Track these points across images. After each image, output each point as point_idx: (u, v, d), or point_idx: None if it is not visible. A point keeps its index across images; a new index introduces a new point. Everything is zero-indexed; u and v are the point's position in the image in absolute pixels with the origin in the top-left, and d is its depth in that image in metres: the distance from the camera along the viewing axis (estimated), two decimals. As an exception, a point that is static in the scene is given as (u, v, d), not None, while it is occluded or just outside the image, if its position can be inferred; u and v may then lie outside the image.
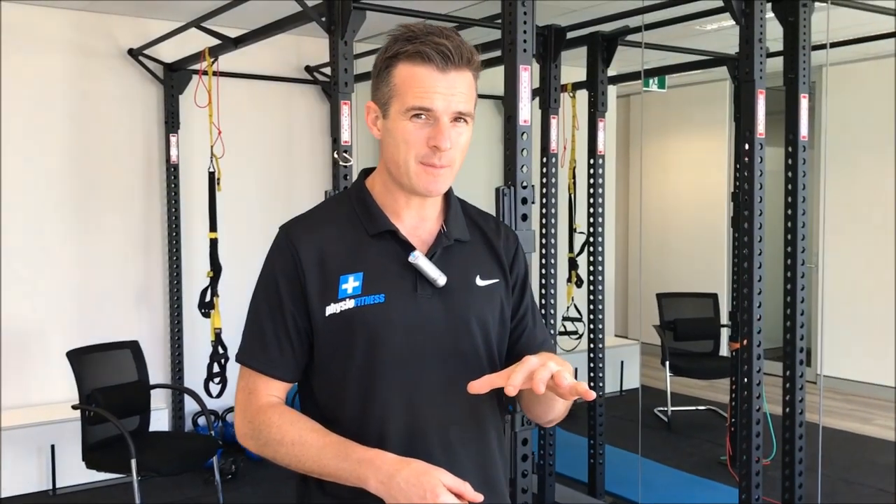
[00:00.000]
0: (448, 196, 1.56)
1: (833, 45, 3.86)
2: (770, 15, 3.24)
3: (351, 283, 1.43)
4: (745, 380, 3.23)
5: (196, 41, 4.68)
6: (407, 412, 1.42)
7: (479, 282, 1.52)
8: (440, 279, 1.46)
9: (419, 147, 1.40)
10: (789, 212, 3.41)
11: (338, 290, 1.42)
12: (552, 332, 4.41)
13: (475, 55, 1.44)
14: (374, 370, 1.43)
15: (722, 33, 5.48)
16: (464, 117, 1.43)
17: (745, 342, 3.24)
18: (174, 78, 5.18)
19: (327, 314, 1.42)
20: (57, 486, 4.56)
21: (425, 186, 1.43)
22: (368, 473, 1.30)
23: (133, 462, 3.73)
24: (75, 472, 4.40)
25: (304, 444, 1.37)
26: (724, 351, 6.14)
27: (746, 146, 3.21)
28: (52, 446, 4.55)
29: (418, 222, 1.50)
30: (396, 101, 1.41)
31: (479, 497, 1.28)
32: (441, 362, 1.45)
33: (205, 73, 4.56)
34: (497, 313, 1.53)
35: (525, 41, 2.39)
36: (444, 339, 1.46)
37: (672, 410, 5.82)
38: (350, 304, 1.42)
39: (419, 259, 1.45)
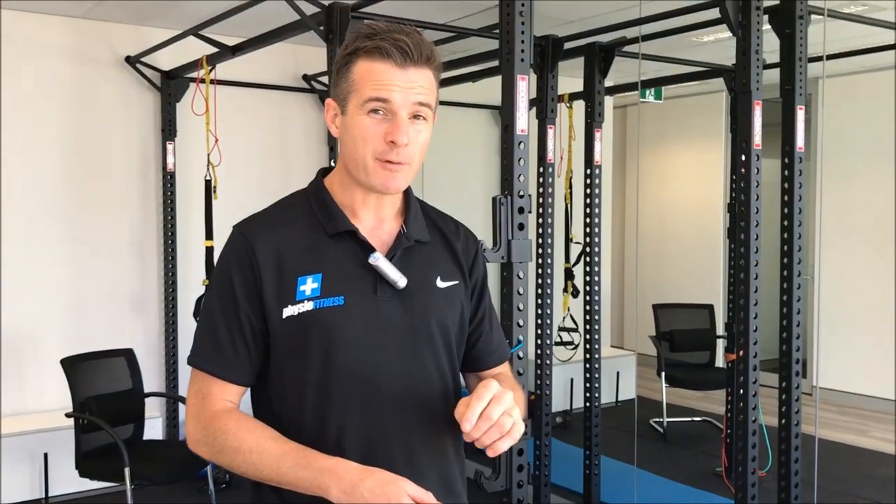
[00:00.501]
0: (407, 196, 1.54)
1: (830, 57, 3.87)
2: (767, 27, 3.25)
3: (309, 285, 1.39)
4: (741, 391, 3.22)
5: (194, 49, 4.68)
6: (366, 417, 1.40)
7: (440, 283, 1.51)
8: (401, 281, 1.44)
9: (376, 143, 1.38)
10: (785, 223, 3.41)
11: (295, 292, 1.39)
12: (548, 341, 4.40)
13: (435, 54, 1.42)
14: (333, 374, 1.40)
15: (718, 45, 5.49)
16: (423, 114, 1.41)
17: (740, 353, 3.24)
18: (171, 86, 5.18)
19: (284, 316, 1.39)
20: (50, 494, 4.54)
21: (383, 183, 1.41)
22: (330, 483, 1.27)
23: (127, 470, 3.71)
24: (69, 481, 4.37)
25: (262, 452, 1.33)
26: (720, 362, 6.13)
27: (743, 157, 3.21)
28: (46, 454, 4.52)
29: (377, 223, 1.49)
30: (354, 96, 1.39)
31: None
32: (399, 365, 1.43)
33: (202, 81, 4.56)
34: (457, 316, 1.52)
35: (523, 51, 2.39)
36: (404, 342, 1.44)
37: (668, 421, 5.80)
38: (308, 305, 1.39)
39: (379, 260, 1.42)
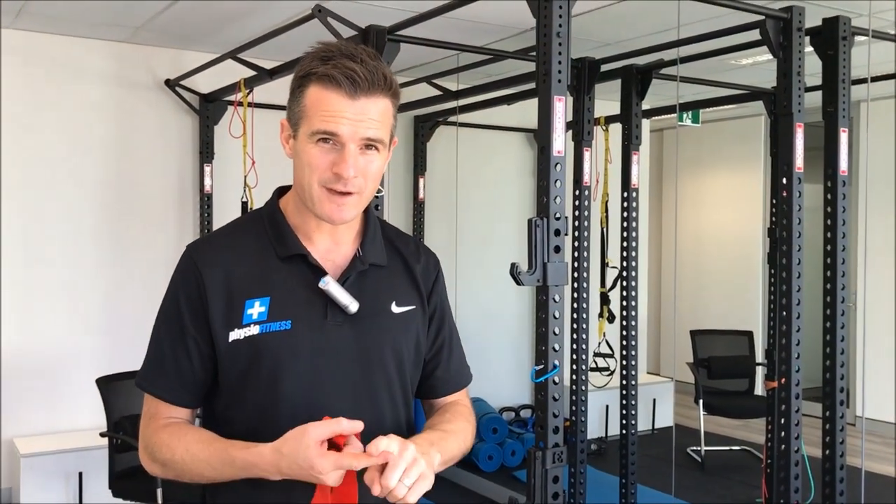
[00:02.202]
0: (367, 218, 1.51)
1: (874, 79, 3.80)
2: (808, 49, 3.20)
3: (256, 309, 1.37)
4: (783, 420, 3.14)
5: (232, 72, 4.73)
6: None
7: (395, 308, 1.47)
8: (352, 305, 1.40)
9: (322, 172, 1.36)
10: (828, 248, 3.33)
11: (242, 315, 1.37)
12: (583, 367, 4.33)
13: (391, 79, 1.39)
14: (278, 399, 1.37)
15: (757, 68, 5.43)
16: (375, 144, 1.37)
17: (782, 381, 3.15)
18: (209, 108, 5.24)
19: (230, 340, 1.37)
20: (83, 513, 4.56)
21: (329, 214, 1.38)
22: (261, 474, 1.28)
23: (159, 491, 3.71)
24: (102, 500, 4.38)
25: (193, 457, 1.34)
26: (760, 390, 6.01)
27: (784, 180, 3.15)
28: (80, 473, 4.54)
29: (331, 245, 1.46)
30: (304, 123, 1.37)
31: (359, 425, 1.25)
32: (347, 392, 1.40)
33: (240, 103, 4.60)
34: (412, 342, 1.49)
35: (560, 72, 2.37)
36: (352, 369, 1.41)
37: (706, 450, 5.69)
38: (255, 330, 1.36)
39: (330, 285, 1.39)
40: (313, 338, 1.39)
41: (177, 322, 1.40)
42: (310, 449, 1.21)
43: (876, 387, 5.77)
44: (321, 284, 1.39)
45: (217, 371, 1.41)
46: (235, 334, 1.37)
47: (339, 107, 1.34)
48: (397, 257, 1.52)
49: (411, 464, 1.23)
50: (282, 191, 1.52)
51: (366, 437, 1.28)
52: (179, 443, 1.36)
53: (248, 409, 1.39)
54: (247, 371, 1.38)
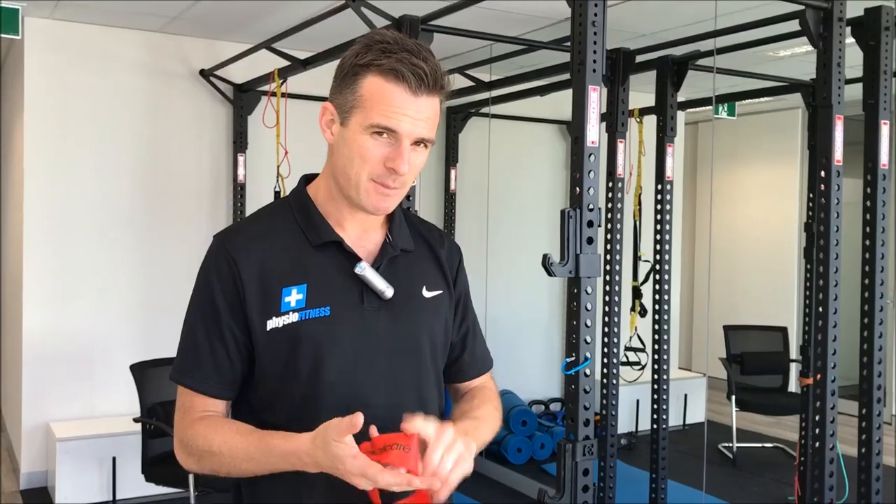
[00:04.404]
0: None
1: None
2: (849, 40, 3.14)
3: (294, 296, 1.36)
4: (818, 417, 3.09)
5: (265, 63, 4.75)
6: (370, 412, 1.35)
7: (426, 293, 1.48)
8: (388, 291, 1.41)
9: (374, 165, 1.35)
10: (867, 242, 3.27)
11: (280, 304, 1.36)
12: (614, 361, 4.31)
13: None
14: (319, 386, 1.37)
15: (795, 60, 5.34)
16: (425, 142, 1.37)
17: (818, 377, 3.10)
18: (243, 98, 5.26)
19: (268, 328, 1.36)
20: (117, 497, 4.62)
21: (374, 205, 1.38)
22: (299, 463, 1.26)
23: (191, 477, 3.75)
24: (135, 485, 4.44)
25: (231, 449, 1.32)
26: (793, 387, 5.93)
27: (822, 173, 3.09)
28: (114, 458, 4.61)
29: (362, 232, 1.45)
30: (359, 113, 1.34)
31: (360, 419, 1.20)
32: (385, 377, 1.40)
33: (273, 94, 4.62)
34: (442, 326, 1.50)
35: (595, 61, 2.34)
36: (391, 353, 1.41)
37: (738, 447, 5.63)
38: (293, 317, 1.36)
39: (366, 270, 1.39)
40: (353, 323, 1.38)
41: (212, 313, 1.38)
42: (338, 449, 1.20)
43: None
44: (357, 270, 1.39)
45: (252, 361, 1.40)
46: (273, 322, 1.36)
47: (402, 103, 1.32)
48: (423, 243, 1.53)
49: (451, 443, 1.24)
50: (308, 178, 1.51)
51: (397, 420, 1.28)
52: (217, 434, 1.34)
53: (288, 398, 1.38)
54: (286, 359, 1.37)
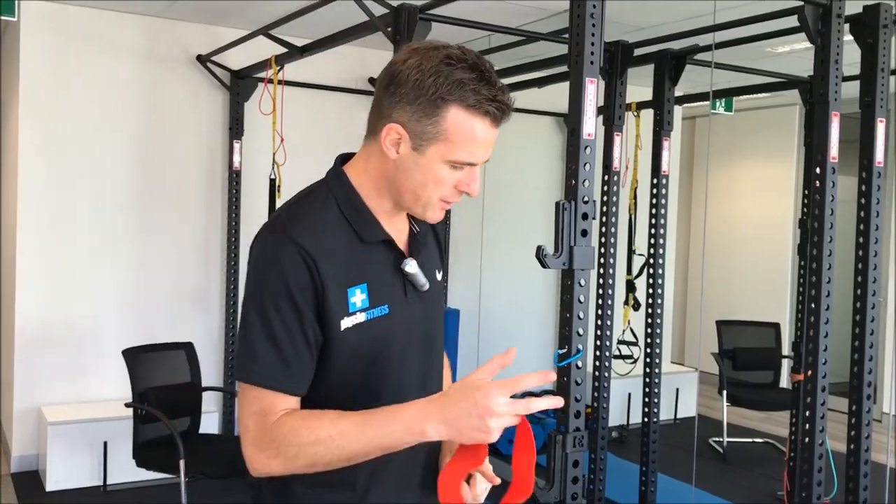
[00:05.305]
0: None
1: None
2: (847, 38, 3.13)
3: (358, 296, 1.38)
4: (808, 413, 3.10)
5: (263, 49, 4.74)
6: (419, 395, 1.43)
7: (437, 275, 1.56)
8: (426, 284, 1.48)
9: (447, 189, 1.39)
10: (860, 240, 3.27)
11: (347, 304, 1.37)
12: (607, 354, 4.32)
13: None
14: (382, 379, 1.42)
15: (793, 56, 5.34)
16: None
17: (808, 373, 3.12)
18: (240, 85, 5.25)
19: (342, 328, 1.36)
20: (108, 482, 4.62)
21: (433, 218, 1.44)
22: (423, 425, 1.25)
23: (182, 463, 3.76)
24: (126, 470, 4.44)
25: (341, 432, 1.29)
26: (785, 382, 5.95)
27: (818, 170, 3.09)
28: (105, 443, 4.61)
29: (398, 223, 1.50)
30: (442, 146, 1.34)
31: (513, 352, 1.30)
32: (420, 360, 1.49)
33: (270, 81, 4.60)
34: (442, 301, 1.61)
35: (592, 53, 2.34)
36: (424, 338, 1.50)
37: (728, 441, 5.65)
38: (361, 317, 1.38)
39: (412, 267, 1.45)
40: (402, 317, 1.44)
41: (292, 311, 1.33)
42: (486, 389, 1.23)
43: (904, 383, 5.69)
44: (407, 268, 1.45)
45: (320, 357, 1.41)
46: (345, 322, 1.37)
47: (486, 138, 1.36)
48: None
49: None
50: (343, 159, 1.52)
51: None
52: (321, 422, 1.31)
53: (352, 392, 1.40)
54: (353, 357, 1.39)
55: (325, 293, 1.34)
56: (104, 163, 5.01)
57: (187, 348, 4.38)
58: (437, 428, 1.25)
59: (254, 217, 5.34)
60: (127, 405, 4.06)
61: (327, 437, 1.29)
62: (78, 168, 4.92)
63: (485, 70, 1.33)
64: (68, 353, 4.93)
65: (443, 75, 1.31)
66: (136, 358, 4.14)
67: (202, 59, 5.19)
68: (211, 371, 5.22)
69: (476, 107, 1.32)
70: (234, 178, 5.29)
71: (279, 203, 4.80)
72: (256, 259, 1.38)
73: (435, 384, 1.52)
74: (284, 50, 4.51)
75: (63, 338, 4.91)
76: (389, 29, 3.48)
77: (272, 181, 4.77)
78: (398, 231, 1.47)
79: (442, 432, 1.25)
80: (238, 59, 5.18)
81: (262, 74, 4.88)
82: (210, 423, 4.85)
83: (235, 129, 5.27)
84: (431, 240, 1.57)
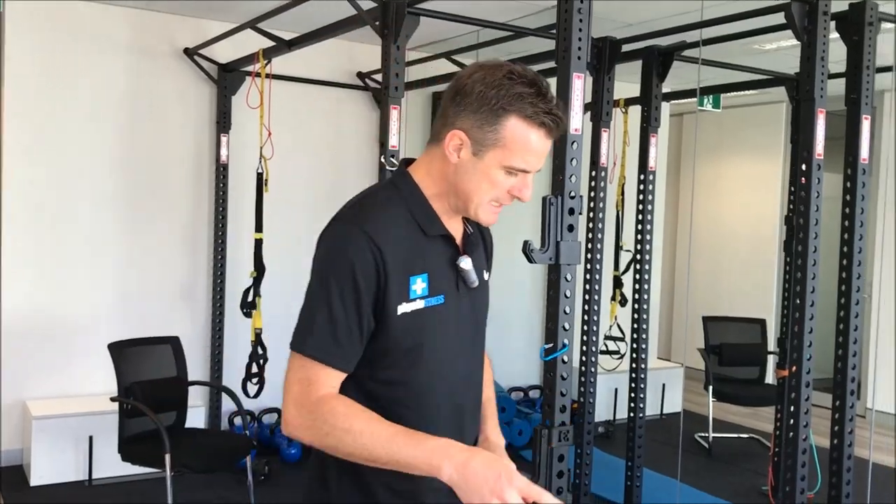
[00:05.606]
0: None
1: (899, 67, 3.74)
2: (833, 35, 3.15)
3: (419, 285, 1.51)
4: (793, 408, 3.12)
5: (251, 43, 4.72)
6: (449, 397, 1.59)
7: (485, 276, 1.67)
8: (476, 282, 1.60)
9: (500, 192, 1.52)
10: (845, 236, 3.30)
11: (408, 290, 1.50)
12: (594, 349, 4.33)
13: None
14: (428, 363, 1.54)
15: (780, 54, 5.37)
16: None
17: (793, 369, 3.14)
18: (228, 78, 5.23)
19: (399, 313, 1.49)
20: (93, 476, 4.60)
21: (486, 220, 1.57)
22: (443, 461, 1.35)
23: (167, 457, 3.74)
24: (111, 464, 4.43)
25: (372, 433, 1.39)
26: (770, 378, 5.99)
27: (804, 167, 3.11)
28: (91, 437, 4.59)
29: (455, 224, 1.62)
30: (500, 152, 1.47)
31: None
32: (468, 353, 1.63)
33: (258, 74, 4.59)
34: (488, 302, 1.72)
35: (580, 48, 2.34)
36: (472, 332, 1.64)
37: (713, 436, 5.68)
38: (420, 304, 1.51)
39: (467, 264, 1.58)
40: (454, 308, 1.57)
41: (353, 294, 1.45)
42: (506, 465, 1.36)
43: (887, 379, 5.73)
44: (462, 264, 1.58)
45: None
46: (403, 308, 1.49)
47: (540, 148, 1.49)
48: (476, 227, 1.69)
49: None
50: (407, 163, 1.63)
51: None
52: (359, 417, 1.42)
53: (398, 374, 1.53)
54: (405, 340, 1.51)
55: (387, 280, 1.47)
56: (91, 157, 4.98)
57: (173, 342, 4.36)
58: (452, 474, 1.34)
59: (240, 211, 5.33)
60: (112, 399, 4.04)
61: (358, 431, 1.40)
62: (64, 162, 4.89)
63: (542, 86, 1.47)
64: (54, 347, 4.90)
65: (504, 88, 1.45)
66: (121, 352, 4.12)
67: (189, 53, 5.17)
68: (197, 365, 5.21)
69: (533, 118, 1.45)
70: (222, 171, 5.27)
71: (266, 197, 4.79)
72: (328, 245, 1.50)
73: (477, 374, 1.68)
74: (272, 43, 4.49)
75: (49, 332, 4.88)
76: (377, 23, 3.48)
77: (259, 175, 4.76)
78: (454, 231, 1.60)
79: (454, 479, 1.34)
80: (226, 52, 5.16)
81: (250, 68, 4.85)
82: (196, 417, 4.84)
83: (223, 122, 5.25)
84: (481, 243, 1.69)
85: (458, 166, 1.51)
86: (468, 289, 1.60)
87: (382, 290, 1.47)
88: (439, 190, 1.56)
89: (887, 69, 3.69)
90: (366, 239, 1.46)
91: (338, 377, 1.48)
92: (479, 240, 1.68)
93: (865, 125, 3.23)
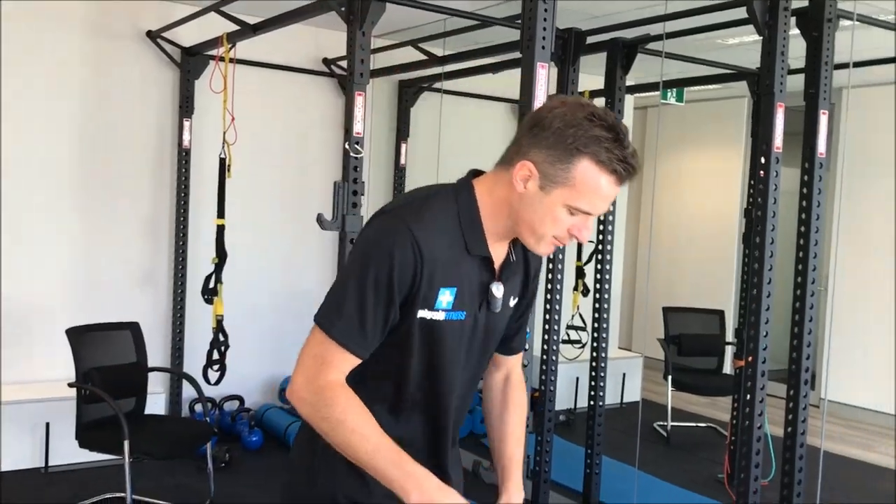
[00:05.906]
0: None
1: (856, 64, 3.81)
2: (794, 31, 3.20)
3: (447, 297, 1.53)
4: (748, 397, 3.18)
5: (215, 26, 4.67)
6: (449, 399, 1.63)
7: (511, 302, 1.68)
8: (499, 308, 1.62)
9: (560, 230, 1.51)
10: (802, 229, 3.36)
11: (435, 300, 1.53)
12: (555, 338, 4.37)
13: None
14: (440, 368, 1.59)
15: (743, 49, 5.43)
16: None
17: (749, 360, 3.20)
18: (191, 62, 5.16)
19: (419, 316, 1.52)
20: (50, 463, 4.54)
21: (542, 253, 1.59)
22: (412, 488, 1.43)
23: (126, 443, 3.71)
24: (68, 451, 4.37)
25: (362, 436, 1.46)
26: (728, 368, 6.09)
27: (763, 160, 3.17)
28: (48, 424, 4.53)
29: (499, 248, 1.62)
30: (567, 191, 1.46)
31: None
32: (471, 365, 1.66)
33: (221, 58, 4.54)
34: (507, 323, 1.71)
35: (544, 38, 2.36)
36: (478, 348, 1.65)
37: (672, 425, 5.77)
38: (441, 315, 1.54)
39: (498, 291, 1.60)
40: (472, 326, 1.60)
41: (386, 287, 1.48)
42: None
43: (840, 370, 5.86)
44: (493, 289, 1.59)
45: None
46: (424, 313, 1.53)
47: (609, 193, 1.48)
48: (521, 254, 1.67)
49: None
50: (475, 174, 1.63)
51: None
52: (355, 415, 1.47)
53: (410, 373, 1.58)
54: (422, 345, 1.56)
55: (420, 283, 1.50)
56: (49, 139, 4.89)
57: (133, 328, 4.32)
58: (417, 499, 1.43)
59: (203, 196, 5.28)
60: (70, 385, 3.99)
61: (350, 430, 1.46)
62: (22, 143, 4.80)
63: (620, 132, 1.45)
64: (10, 332, 4.82)
65: (583, 129, 1.44)
66: (80, 338, 4.07)
67: (152, 35, 5.10)
68: (158, 352, 5.16)
69: (606, 163, 1.44)
70: (184, 156, 5.22)
71: (229, 183, 4.75)
72: (376, 236, 1.52)
73: (474, 383, 1.71)
74: (237, 27, 4.45)
75: (6, 317, 4.80)
76: (343, 8, 3.46)
77: (222, 160, 4.71)
78: (497, 254, 1.60)
79: (419, 494, 1.43)
80: (190, 35, 5.09)
81: (214, 52, 4.80)
82: (157, 404, 4.79)
83: (185, 107, 5.19)
84: (521, 272, 1.68)
85: (522, 196, 1.51)
86: (490, 311, 1.62)
87: (414, 291, 1.50)
88: (495, 211, 1.56)
89: (845, 66, 3.76)
90: (411, 240, 1.47)
91: (352, 362, 1.52)
92: (519, 268, 1.68)
93: (823, 120, 3.29)
